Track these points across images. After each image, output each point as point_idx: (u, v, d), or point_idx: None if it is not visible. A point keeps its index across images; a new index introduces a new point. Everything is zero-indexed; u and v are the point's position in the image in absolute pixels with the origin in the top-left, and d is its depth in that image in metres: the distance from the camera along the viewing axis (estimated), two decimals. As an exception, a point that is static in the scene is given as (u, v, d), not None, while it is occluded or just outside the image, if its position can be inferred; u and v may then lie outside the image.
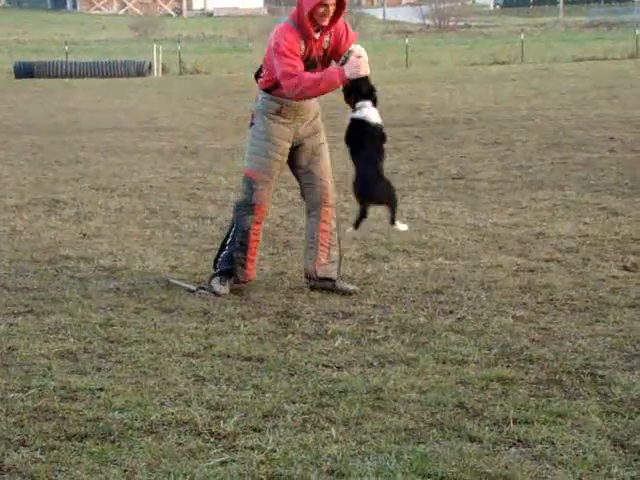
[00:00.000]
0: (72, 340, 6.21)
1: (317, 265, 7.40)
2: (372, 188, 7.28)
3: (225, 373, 5.64)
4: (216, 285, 7.36)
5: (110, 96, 28.77)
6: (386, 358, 5.89)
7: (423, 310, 6.89)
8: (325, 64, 7.21)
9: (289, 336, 6.34)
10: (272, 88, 7.16)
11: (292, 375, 5.62)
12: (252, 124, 7.30)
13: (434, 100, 25.04)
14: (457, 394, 5.28)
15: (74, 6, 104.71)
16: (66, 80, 36.86)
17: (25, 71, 39.28)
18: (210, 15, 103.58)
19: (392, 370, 5.67)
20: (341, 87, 7.13)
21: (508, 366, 5.72)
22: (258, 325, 6.58)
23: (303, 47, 7.00)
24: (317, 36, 7.05)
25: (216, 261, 7.49)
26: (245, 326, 6.55)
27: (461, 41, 65.25)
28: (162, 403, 5.17)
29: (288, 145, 7.32)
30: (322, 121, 7.59)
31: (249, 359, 5.89)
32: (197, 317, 6.79)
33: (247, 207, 7.28)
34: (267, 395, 5.30)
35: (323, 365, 5.78)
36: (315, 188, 7.41)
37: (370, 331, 6.43)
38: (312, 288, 7.45)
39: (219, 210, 10.75)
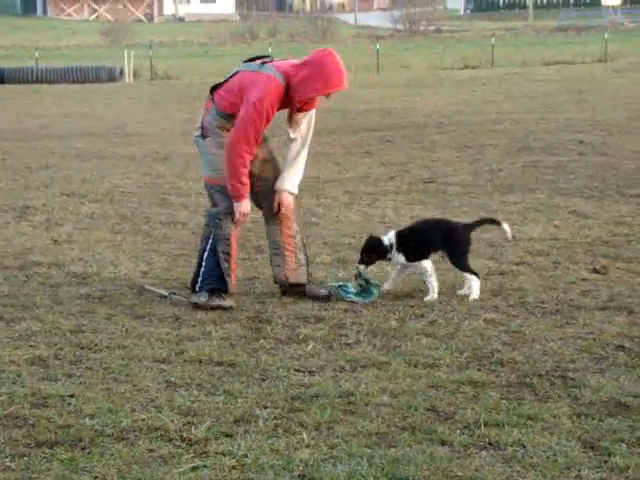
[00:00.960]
0: (43, 347, 6.19)
1: (287, 271, 7.40)
2: None
3: (196, 379, 5.63)
4: (218, 301, 7.15)
5: (81, 102, 28.66)
6: (358, 362, 5.90)
7: (394, 314, 6.91)
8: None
9: (261, 341, 6.35)
10: (231, 115, 7.11)
11: (264, 380, 5.62)
12: (205, 136, 7.22)
13: (405, 104, 25.10)
14: (428, 397, 5.29)
15: (44, 12, 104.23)
16: (35, 86, 36.69)
17: (-5, 77, 39.05)
18: (181, 20, 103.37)
19: (364, 374, 5.69)
20: None
21: (479, 369, 5.74)
22: (230, 330, 6.58)
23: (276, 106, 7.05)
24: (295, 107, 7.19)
25: (195, 282, 7.29)
26: (217, 331, 6.55)
27: (432, 46, 65.40)
28: (133, 409, 5.16)
29: None
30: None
31: (221, 364, 5.89)
32: (168, 323, 6.78)
33: (227, 215, 7.19)
34: (239, 400, 5.30)
35: (295, 370, 5.79)
36: (271, 196, 7.37)
37: (342, 335, 6.45)
38: (283, 293, 7.45)
39: (191, 215, 10.73)
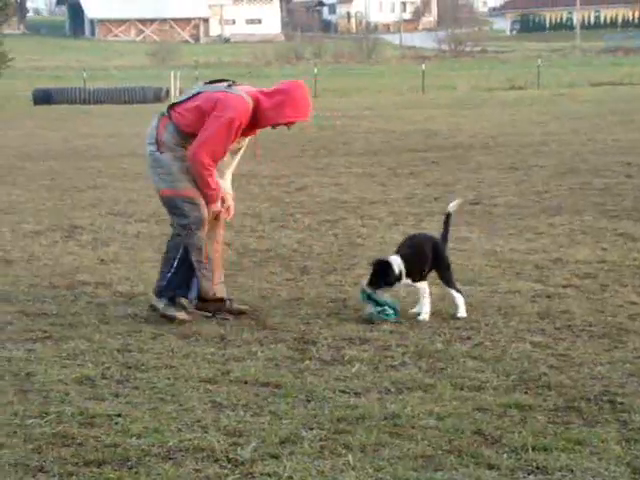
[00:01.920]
0: (90, 366, 6.22)
1: (214, 285, 7.51)
2: None
3: (242, 399, 5.63)
4: (173, 312, 7.33)
5: (128, 122, 28.90)
6: (403, 384, 5.87)
7: (440, 336, 6.88)
8: None
9: (306, 362, 6.34)
10: (189, 134, 7.29)
11: (309, 401, 5.61)
12: (161, 152, 7.34)
13: (450, 125, 25.06)
14: (475, 421, 5.26)
15: (92, 33, 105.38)
16: (83, 106, 37.08)
17: (43, 98, 39.49)
18: (227, 41, 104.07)
19: (409, 396, 5.66)
20: None
21: (526, 392, 5.70)
22: (275, 351, 6.58)
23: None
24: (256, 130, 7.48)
25: (161, 287, 7.42)
26: (262, 352, 6.55)
27: (478, 66, 65.37)
28: (179, 429, 5.17)
29: None
30: None
31: (266, 385, 5.89)
32: (214, 343, 6.80)
33: (198, 224, 7.33)
34: (284, 421, 5.29)
35: (340, 391, 5.77)
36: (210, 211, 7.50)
37: (387, 357, 6.42)
38: (197, 308, 7.51)
39: (236, 235, 10.76)
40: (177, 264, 7.39)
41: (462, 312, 7.36)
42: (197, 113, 7.23)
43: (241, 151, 7.70)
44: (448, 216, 7.78)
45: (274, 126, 7.43)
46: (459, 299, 7.40)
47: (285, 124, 7.36)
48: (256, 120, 7.28)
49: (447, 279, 7.52)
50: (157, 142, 7.36)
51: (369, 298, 7.34)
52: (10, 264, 9.42)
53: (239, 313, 7.51)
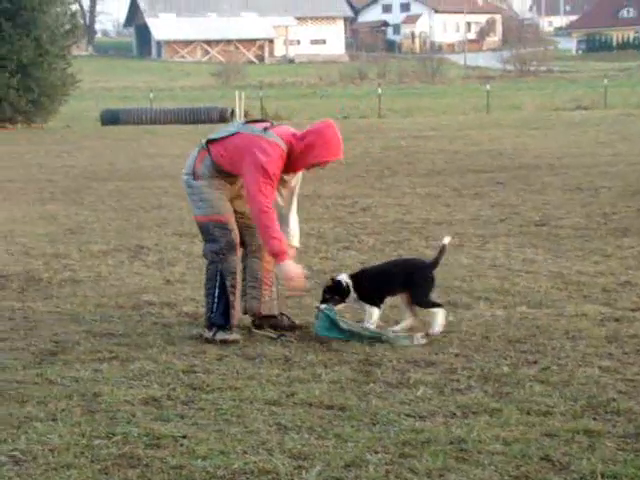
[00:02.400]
0: (156, 386, 6.25)
1: (262, 303, 7.67)
2: None
3: (307, 421, 5.62)
4: (225, 335, 7.38)
5: (193, 142, 29.12)
6: (469, 408, 5.82)
7: (506, 359, 6.82)
8: None
9: (371, 384, 6.31)
10: (225, 172, 7.46)
11: (374, 424, 5.58)
12: (197, 179, 7.51)
13: (516, 145, 24.91)
14: (542, 446, 5.19)
15: (159, 54, 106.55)
16: (149, 127, 37.46)
17: (111, 118, 39.97)
18: (292, 62, 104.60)
19: (475, 421, 5.61)
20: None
21: (595, 418, 5.62)
22: (340, 373, 6.56)
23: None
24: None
25: (209, 318, 7.49)
26: (327, 374, 6.54)
27: (543, 86, 64.95)
28: (244, 451, 5.17)
29: (228, 192, 7.58)
30: None
31: (331, 407, 5.87)
32: (279, 364, 6.80)
33: (230, 249, 7.44)
34: (349, 444, 5.27)
35: (405, 414, 5.73)
36: (255, 231, 7.57)
37: (453, 380, 6.38)
38: (256, 327, 7.64)
39: (301, 256, 10.74)
40: (218, 292, 7.49)
41: (436, 328, 7.41)
42: (236, 154, 7.38)
43: (296, 190, 7.80)
44: (443, 247, 7.82)
45: (308, 168, 7.54)
46: (439, 314, 7.44)
47: (318, 165, 7.46)
48: (291, 163, 7.40)
49: (419, 300, 7.54)
50: (193, 173, 7.53)
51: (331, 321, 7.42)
52: (78, 284, 9.52)
53: (292, 328, 7.63)
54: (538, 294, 8.77)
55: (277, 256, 7.32)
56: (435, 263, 7.75)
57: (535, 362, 6.74)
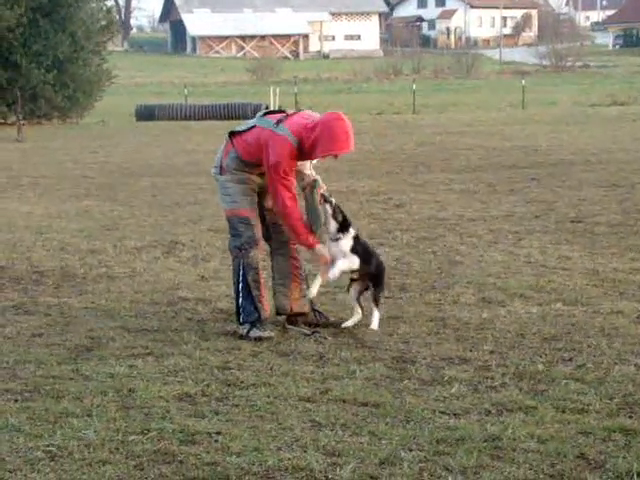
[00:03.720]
0: (190, 383, 6.27)
1: (292, 300, 7.70)
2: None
3: (341, 418, 5.62)
4: (259, 332, 7.40)
5: (228, 138, 29.17)
6: (504, 406, 5.80)
7: (541, 357, 6.78)
8: None
9: (405, 382, 6.30)
10: (248, 161, 7.53)
11: (408, 422, 5.58)
12: (222, 174, 7.61)
13: (551, 141, 24.77)
14: (578, 444, 5.16)
15: (193, 49, 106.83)
16: (184, 122, 37.58)
17: (146, 114, 40.10)
18: (326, 57, 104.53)
19: (510, 418, 5.58)
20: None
21: (631, 416, 5.58)
22: (374, 370, 6.55)
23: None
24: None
25: (238, 314, 7.55)
26: (361, 371, 6.53)
27: (579, 81, 64.56)
28: (279, 448, 5.17)
29: (256, 185, 7.63)
30: None
31: (365, 404, 5.86)
32: (313, 361, 6.80)
33: (251, 243, 7.51)
34: (383, 442, 5.26)
35: (440, 412, 5.72)
36: (282, 227, 7.64)
37: (487, 378, 6.35)
38: (290, 323, 7.68)
39: (335, 253, 10.76)
40: (242, 287, 7.53)
41: (375, 324, 7.61)
42: (254, 147, 7.47)
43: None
44: None
45: (318, 159, 7.53)
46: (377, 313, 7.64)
47: (327, 156, 7.42)
48: (303, 154, 7.42)
49: (377, 297, 7.71)
50: (220, 166, 7.62)
51: None
52: (113, 280, 9.57)
53: (326, 324, 7.66)
54: (573, 291, 8.72)
55: (307, 247, 7.49)
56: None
57: (570, 360, 6.71)
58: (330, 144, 7.28)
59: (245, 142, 7.52)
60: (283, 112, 7.70)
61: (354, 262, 7.58)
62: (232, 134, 7.65)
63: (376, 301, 7.69)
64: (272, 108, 40.37)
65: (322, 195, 7.54)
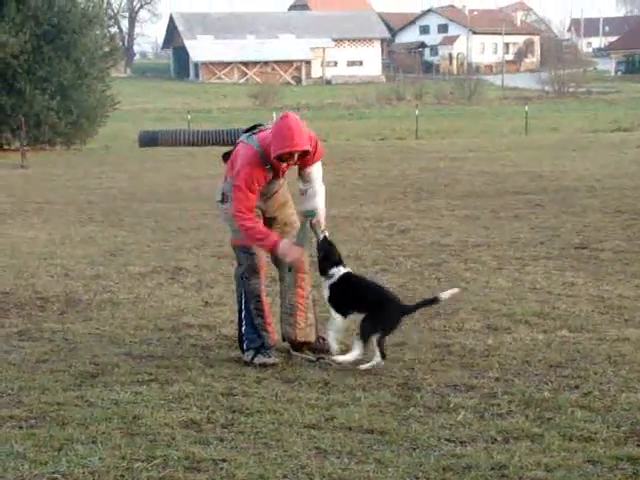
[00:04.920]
0: (195, 409, 6.25)
1: (297, 330, 7.65)
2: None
3: (347, 446, 5.59)
4: (263, 359, 7.38)
5: (231, 164, 29.18)
6: (510, 433, 5.77)
7: (547, 384, 6.76)
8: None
9: (411, 409, 6.28)
10: None
11: (414, 449, 5.55)
12: (225, 202, 7.57)
13: (555, 167, 24.78)
14: (585, 473, 5.14)
15: (196, 75, 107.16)
16: (187, 148, 37.62)
17: (149, 139, 40.17)
18: (328, 83, 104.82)
19: (516, 446, 5.56)
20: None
21: (638, 445, 5.55)
22: (379, 397, 6.53)
23: (269, 174, 7.41)
24: (284, 165, 7.45)
25: (241, 342, 7.54)
26: (366, 398, 6.51)
27: (582, 108, 64.68)
28: (284, 476, 5.15)
29: (260, 210, 7.58)
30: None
31: (371, 432, 5.84)
32: (318, 388, 6.78)
33: (252, 272, 7.50)
34: (390, 469, 5.24)
35: (446, 439, 5.69)
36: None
37: (493, 405, 6.32)
38: (295, 350, 7.65)
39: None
40: (245, 315, 7.55)
41: (342, 357, 7.19)
42: (233, 164, 7.48)
43: (319, 178, 7.67)
44: (434, 300, 7.44)
45: (277, 163, 7.36)
46: (358, 347, 7.18)
47: (281, 157, 7.27)
48: (270, 158, 7.32)
49: (363, 331, 7.20)
50: (222, 193, 7.61)
51: None
52: (117, 306, 9.56)
53: (323, 351, 7.58)
54: (579, 318, 8.70)
55: (272, 248, 7.37)
56: (410, 309, 7.51)
57: (577, 387, 6.68)
58: (278, 142, 7.19)
59: (231, 162, 7.54)
60: (260, 125, 7.68)
61: (334, 324, 7.34)
62: (225, 157, 7.67)
63: (361, 335, 7.21)
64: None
65: (312, 225, 7.46)
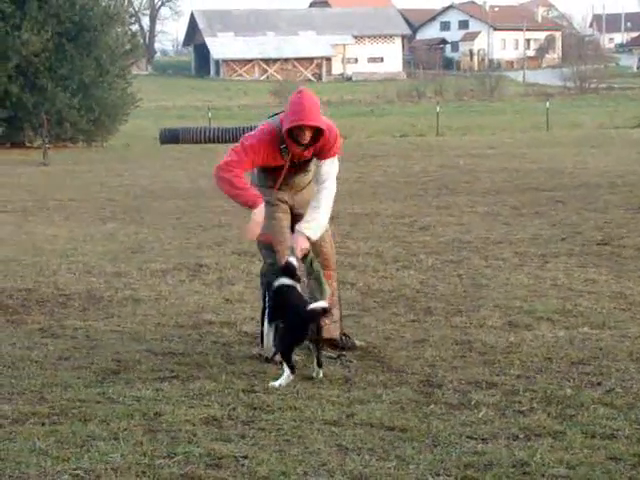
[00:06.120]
0: (216, 406, 6.25)
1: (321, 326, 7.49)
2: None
3: (368, 443, 5.59)
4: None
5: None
6: (532, 431, 5.75)
7: (569, 381, 6.73)
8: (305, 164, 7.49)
9: (432, 406, 6.26)
10: (261, 168, 7.43)
11: (435, 446, 5.54)
12: None
13: (576, 164, 24.69)
14: (608, 470, 5.11)
15: (217, 73, 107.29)
16: (208, 145, 37.68)
17: (170, 137, 40.26)
18: (349, 79, 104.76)
19: (538, 443, 5.54)
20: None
21: (661, 442, 5.52)
22: (400, 394, 6.52)
23: (282, 157, 7.28)
24: (302, 148, 7.28)
25: (263, 339, 7.47)
26: (387, 395, 6.50)
27: (604, 103, 64.43)
28: (305, 472, 5.15)
29: (287, 206, 7.53)
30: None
31: (392, 429, 5.83)
32: (339, 384, 6.77)
33: (272, 270, 7.41)
34: (411, 467, 5.23)
35: (467, 436, 5.68)
36: (316, 253, 7.52)
37: (515, 402, 6.30)
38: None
39: (359, 275, 10.75)
40: (267, 312, 7.47)
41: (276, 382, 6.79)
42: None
43: (327, 182, 7.46)
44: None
45: (288, 142, 7.24)
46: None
47: (291, 134, 7.17)
48: (283, 133, 7.23)
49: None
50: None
51: None
52: (138, 303, 9.58)
53: (352, 348, 7.59)
54: (601, 315, 8.67)
55: (247, 204, 7.21)
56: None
57: (599, 384, 6.65)
58: (289, 116, 7.12)
59: None
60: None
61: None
62: None
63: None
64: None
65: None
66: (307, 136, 7.20)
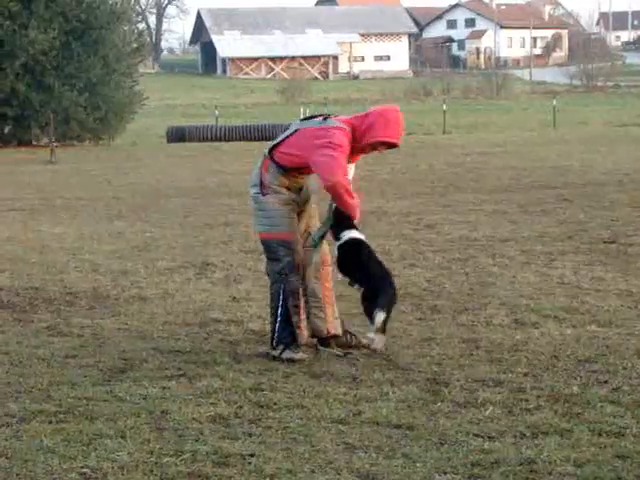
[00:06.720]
0: (223, 404, 6.25)
1: (329, 323, 7.61)
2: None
3: (375, 441, 5.59)
4: (291, 354, 7.34)
5: (258, 159, 29.20)
6: (539, 429, 5.75)
7: (576, 379, 6.72)
8: None
9: (439, 404, 6.26)
10: (292, 168, 7.40)
11: (442, 444, 5.54)
12: (265, 193, 7.45)
13: (583, 162, 24.67)
14: (615, 468, 5.11)
15: (224, 71, 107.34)
16: (215, 143, 37.69)
17: (177, 135, 40.28)
18: (356, 78, 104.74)
19: (545, 441, 5.53)
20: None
21: (668, 440, 5.51)
22: (407, 392, 6.52)
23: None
24: (359, 156, 7.57)
25: (273, 338, 7.47)
26: (394, 393, 6.50)
27: (610, 101, 64.36)
28: (312, 470, 5.15)
29: (297, 206, 7.55)
30: None
31: (399, 427, 5.83)
32: (346, 383, 6.77)
33: (292, 268, 7.41)
34: (417, 465, 5.23)
35: (474, 434, 5.67)
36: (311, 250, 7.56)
37: (522, 400, 6.30)
38: (323, 345, 7.61)
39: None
40: (281, 312, 7.46)
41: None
42: (299, 148, 7.33)
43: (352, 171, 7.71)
44: None
45: (366, 150, 7.43)
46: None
47: (375, 144, 7.31)
48: (354, 144, 7.32)
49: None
50: (261, 184, 7.48)
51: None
52: (145, 301, 9.59)
53: (358, 346, 7.57)
54: (608, 313, 8.66)
55: (355, 209, 7.47)
56: None
57: (606, 382, 6.64)
58: (382, 130, 7.24)
59: (286, 148, 7.40)
60: (321, 115, 7.63)
61: None
62: (272, 149, 7.53)
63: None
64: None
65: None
66: (379, 151, 7.45)
